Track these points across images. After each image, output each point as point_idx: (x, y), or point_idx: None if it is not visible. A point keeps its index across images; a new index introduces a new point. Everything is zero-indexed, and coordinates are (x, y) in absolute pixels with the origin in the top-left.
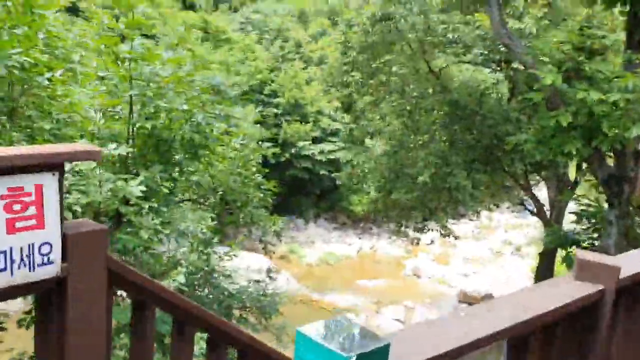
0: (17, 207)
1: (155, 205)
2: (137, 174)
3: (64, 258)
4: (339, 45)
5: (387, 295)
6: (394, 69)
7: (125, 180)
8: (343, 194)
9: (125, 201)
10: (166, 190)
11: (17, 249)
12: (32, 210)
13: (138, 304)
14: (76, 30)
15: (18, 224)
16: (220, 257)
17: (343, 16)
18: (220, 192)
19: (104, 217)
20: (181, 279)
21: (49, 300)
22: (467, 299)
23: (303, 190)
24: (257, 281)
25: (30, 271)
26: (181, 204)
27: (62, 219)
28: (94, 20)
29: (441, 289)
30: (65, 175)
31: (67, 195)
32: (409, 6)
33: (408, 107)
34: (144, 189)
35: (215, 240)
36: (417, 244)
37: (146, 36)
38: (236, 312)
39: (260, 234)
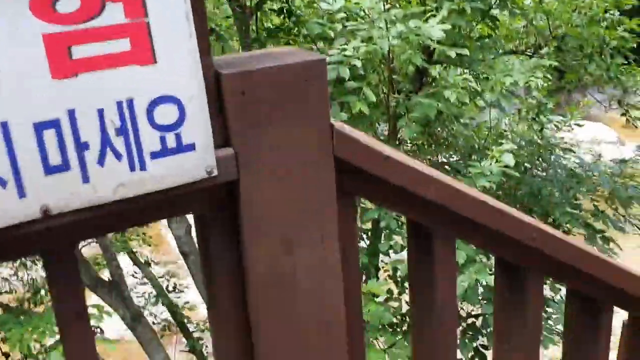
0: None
1: (467, 53)
2: (438, 9)
3: (225, 138)
4: None
5: None
6: None
7: (423, 18)
8: None
9: (426, 51)
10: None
11: (88, 114)
12: (118, 14)
13: (416, 230)
14: None
15: (83, 50)
16: (557, 126)
17: None
18: (560, 36)
19: (398, 75)
20: (508, 159)
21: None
22: None
23: None
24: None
25: (134, 170)
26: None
27: (207, 40)
28: None
29: None
30: (341, 16)
31: (344, 46)
32: None
33: None
34: (448, 28)
35: (550, 105)
36: None
37: None
38: (584, 203)
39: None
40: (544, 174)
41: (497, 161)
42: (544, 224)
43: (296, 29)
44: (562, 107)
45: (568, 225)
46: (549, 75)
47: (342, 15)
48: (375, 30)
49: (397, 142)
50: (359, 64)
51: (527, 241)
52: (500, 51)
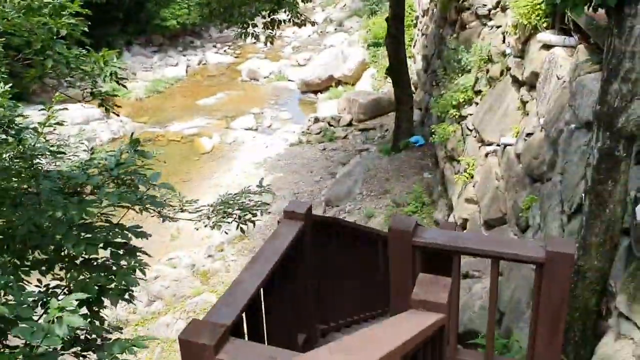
0: None
1: None
2: None
3: None
4: None
5: (232, 108)
6: None
7: None
8: (151, 10)
9: None
10: None
11: None
12: None
13: None
14: None
15: None
16: (38, 130)
17: None
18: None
19: None
20: None
21: None
22: (310, 88)
23: (104, 18)
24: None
25: None
26: None
27: None
28: None
29: (281, 86)
30: None
31: None
32: None
33: None
34: None
35: (20, 108)
36: (272, 42)
37: None
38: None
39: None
40: (38, 195)
41: None
42: None
43: None
44: (39, 96)
45: (86, 253)
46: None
47: None
48: None
49: None
50: None
51: None
52: None
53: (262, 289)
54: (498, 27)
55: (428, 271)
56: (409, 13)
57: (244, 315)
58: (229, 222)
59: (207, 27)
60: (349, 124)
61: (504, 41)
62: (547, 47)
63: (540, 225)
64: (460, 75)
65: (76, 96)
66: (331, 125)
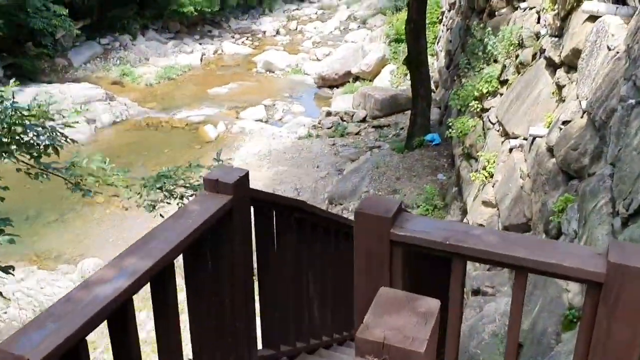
0: None
1: None
2: None
3: None
4: None
5: (244, 98)
6: None
7: None
8: None
9: None
10: None
11: None
12: None
13: None
14: None
15: None
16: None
17: None
18: None
19: None
20: None
21: None
22: (327, 83)
23: (119, 0)
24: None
25: None
26: None
27: None
28: None
29: (298, 79)
30: None
31: None
32: None
33: None
34: None
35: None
36: (271, 10)
37: None
38: None
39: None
40: None
41: None
42: None
43: None
44: (47, 76)
45: None
46: None
47: None
48: None
49: None
50: None
51: None
52: None
53: (133, 298)
54: (531, 8)
55: (413, 283)
56: (434, 10)
57: (106, 335)
58: (168, 203)
59: (227, 17)
60: (363, 120)
61: (538, 21)
62: (592, 19)
63: (577, 232)
64: (485, 64)
65: (85, 77)
66: (344, 120)
